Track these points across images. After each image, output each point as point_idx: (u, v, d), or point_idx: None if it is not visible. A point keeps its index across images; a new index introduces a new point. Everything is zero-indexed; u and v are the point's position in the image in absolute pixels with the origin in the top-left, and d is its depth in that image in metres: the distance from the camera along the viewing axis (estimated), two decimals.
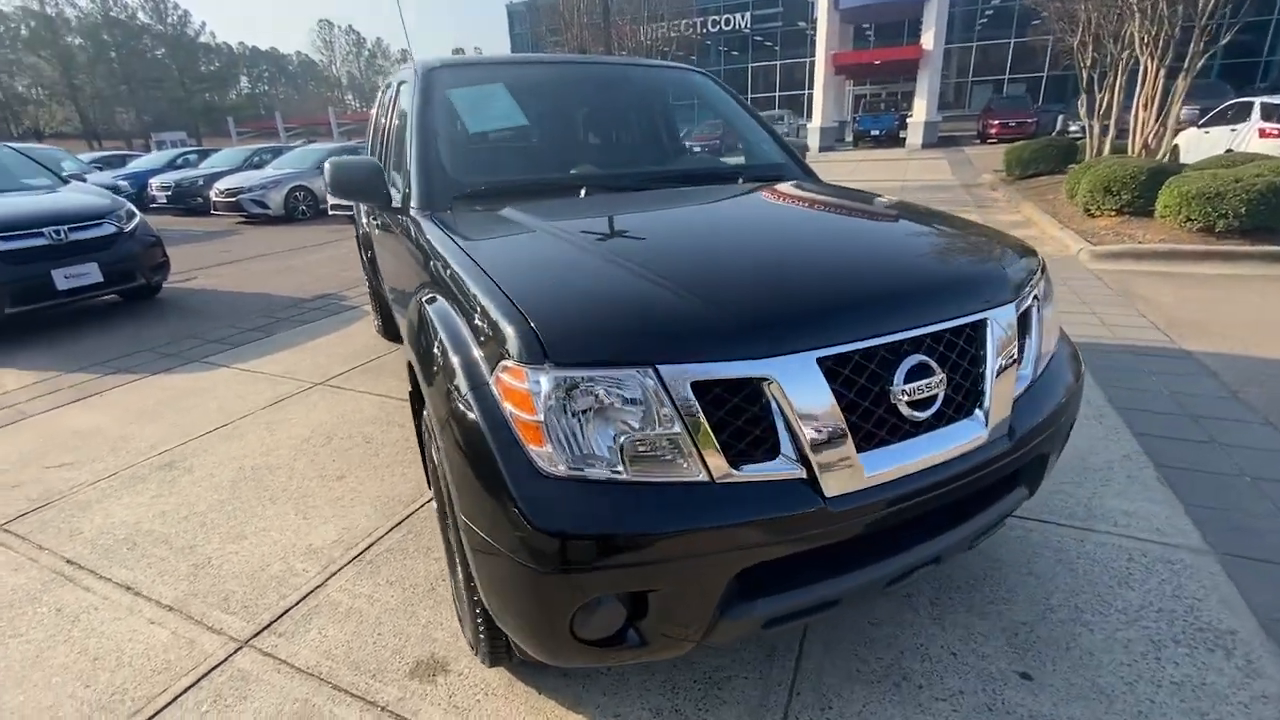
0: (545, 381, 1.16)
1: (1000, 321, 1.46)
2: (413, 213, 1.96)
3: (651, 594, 1.19)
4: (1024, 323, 1.56)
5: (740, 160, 2.68)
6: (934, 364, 1.33)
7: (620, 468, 1.17)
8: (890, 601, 1.93)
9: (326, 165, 2.09)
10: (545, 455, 1.17)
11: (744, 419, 1.20)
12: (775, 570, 1.29)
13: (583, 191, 2.06)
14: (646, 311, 1.27)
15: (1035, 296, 1.62)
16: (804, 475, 1.22)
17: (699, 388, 1.18)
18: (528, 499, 1.16)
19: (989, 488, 1.53)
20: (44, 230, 4.89)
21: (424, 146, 2.08)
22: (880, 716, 1.56)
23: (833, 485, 1.23)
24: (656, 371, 1.16)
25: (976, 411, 1.41)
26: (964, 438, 1.38)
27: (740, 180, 2.41)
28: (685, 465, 1.18)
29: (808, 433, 1.20)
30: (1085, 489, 2.43)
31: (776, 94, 36.05)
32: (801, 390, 1.20)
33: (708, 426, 1.17)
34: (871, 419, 1.28)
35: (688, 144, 2.96)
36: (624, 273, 1.41)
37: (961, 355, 1.40)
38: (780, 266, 1.54)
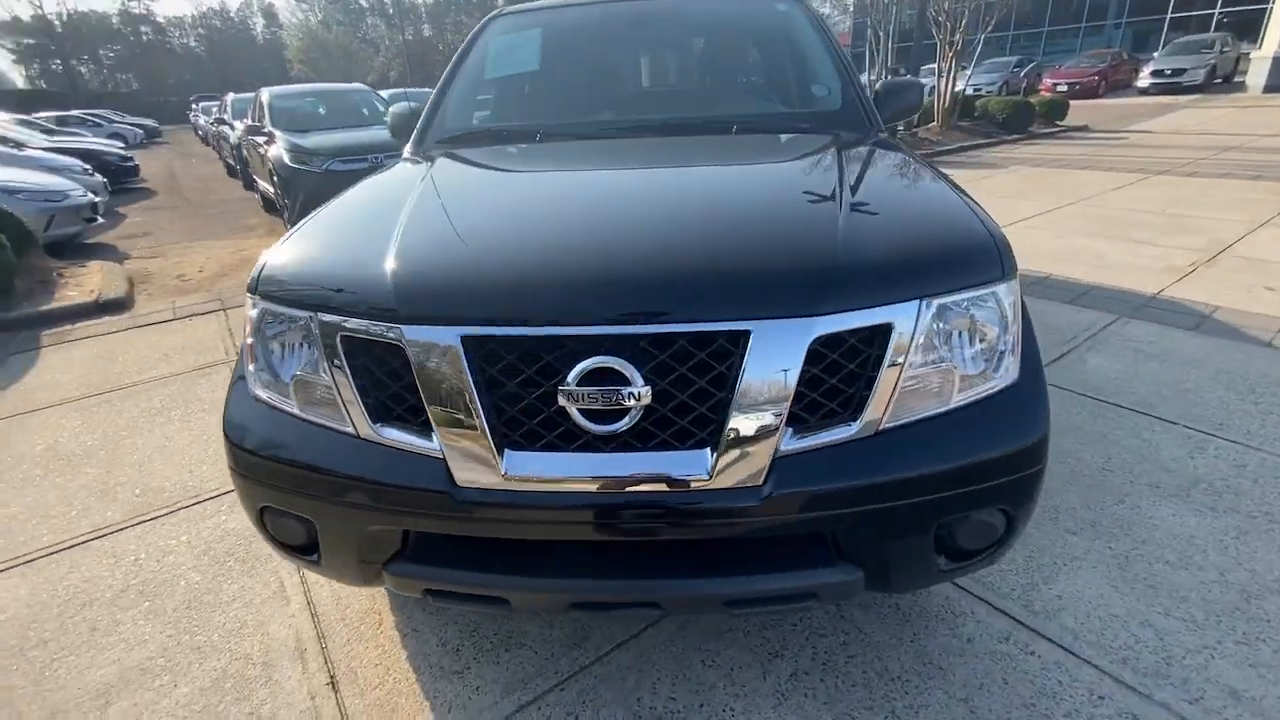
0: (251, 309, 1.31)
1: (773, 342, 1.07)
2: (405, 154, 2.19)
3: (315, 522, 1.28)
4: (857, 359, 1.11)
5: (783, 108, 2.23)
6: (633, 373, 1.07)
7: (292, 402, 1.27)
8: (741, 651, 1.63)
9: (391, 111, 2.45)
10: (250, 376, 1.33)
11: (396, 385, 1.17)
12: (437, 543, 1.26)
13: (538, 137, 2.01)
14: (341, 264, 1.30)
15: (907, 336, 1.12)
16: (441, 454, 1.14)
17: (349, 341, 1.18)
18: (231, 407, 1.34)
19: (753, 547, 1.19)
20: (367, 156, 6.57)
21: (436, 94, 2.27)
22: None
23: (463, 473, 1.13)
24: (317, 319, 1.21)
25: (705, 450, 1.09)
26: (671, 471, 1.09)
27: (753, 130, 2.04)
28: (338, 414, 1.22)
29: (436, 410, 1.12)
30: None
31: (1216, 10, 26.42)
32: (436, 365, 1.11)
33: (350, 381, 1.18)
34: (535, 417, 1.11)
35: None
36: (401, 226, 1.39)
37: (701, 371, 1.09)
38: (554, 235, 1.37)
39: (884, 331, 1.11)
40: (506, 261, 1.25)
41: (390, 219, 1.42)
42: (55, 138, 12.72)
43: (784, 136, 2.00)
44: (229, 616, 1.85)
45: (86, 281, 5.33)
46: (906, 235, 1.27)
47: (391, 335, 1.14)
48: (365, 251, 1.29)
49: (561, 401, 1.08)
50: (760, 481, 1.09)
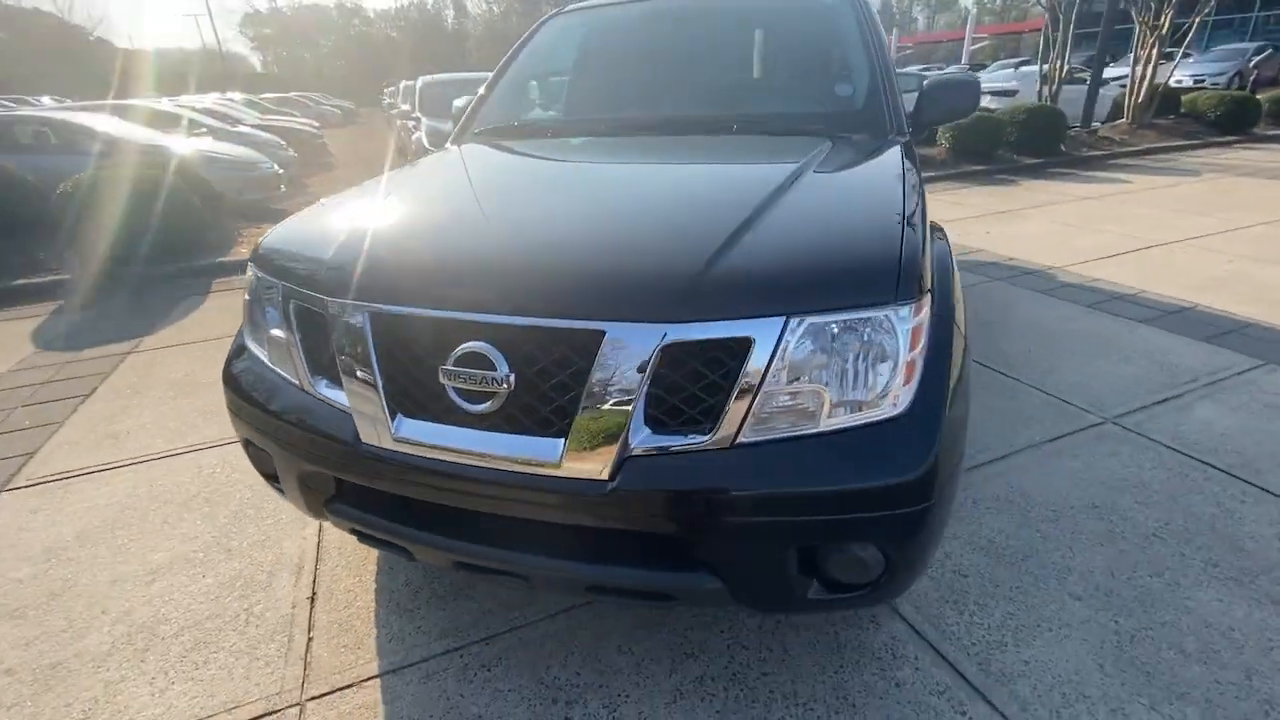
0: (250, 274, 1.56)
1: (624, 344, 1.09)
2: (445, 145, 2.41)
3: (273, 458, 1.51)
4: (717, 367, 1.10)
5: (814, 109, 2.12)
6: (499, 359, 1.15)
7: (266, 355, 1.50)
8: (659, 646, 1.66)
9: (454, 105, 2.69)
10: (245, 331, 1.59)
11: (325, 349, 1.35)
12: (362, 491, 1.42)
13: (549, 134, 2.11)
14: (308, 243, 1.50)
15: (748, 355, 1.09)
16: (352, 413, 1.31)
17: (299, 309, 1.38)
18: (230, 355, 1.62)
19: (615, 538, 1.23)
20: None
21: (484, 90, 2.46)
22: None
23: (365, 430, 1.28)
24: (281, 287, 1.42)
25: (560, 439, 1.15)
26: (527, 454, 1.17)
27: (751, 131, 2.00)
28: (291, 368, 1.42)
29: (347, 375, 1.28)
30: None
31: None
32: (349, 336, 1.27)
33: (298, 341, 1.38)
34: (421, 390, 1.23)
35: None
36: (366, 213, 1.58)
37: (560, 365, 1.14)
38: (467, 228, 1.50)
39: (744, 345, 1.09)
40: (415, 249, 1.38)
41: (368, 205, 1.61)
42: (268, 116, 15.03)
43: (777, 138, 1.93)
44: (260, 530, 2.21)
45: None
46: (797, 250, 1.21)
47: (318, 308, 1.32)
48: (327, 233, 1.49)
49: (442, 379, 1.20)
50: (607, 476, 1.13)
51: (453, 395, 1.20)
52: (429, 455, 1.24)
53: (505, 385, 1.15)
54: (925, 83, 2.12)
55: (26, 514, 2.34)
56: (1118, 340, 3.39)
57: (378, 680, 1.62)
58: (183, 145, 7.52)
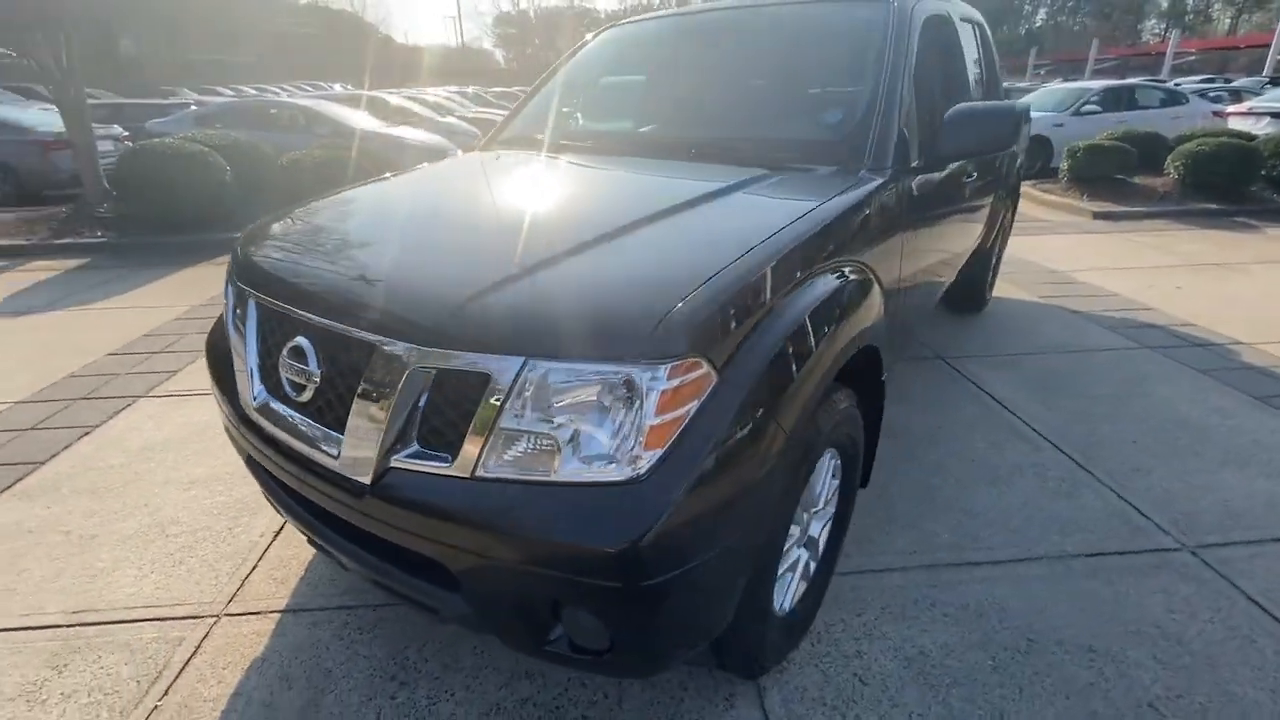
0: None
1: (389, 360, 1.14)
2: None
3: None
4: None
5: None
6: (311, 355, 1.28)
7: (230, 327, 1.78)
8: (506, 659, 1.68)
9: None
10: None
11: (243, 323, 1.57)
12: (250, 452, 1.63)
13: (543, 150, 2.16)
14: (253, 236, 1.71)
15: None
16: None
17: (236, 290, 1.62)
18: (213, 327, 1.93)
19: (379, 539, 1.29)
20: None
21: (520, 102, 2.59)
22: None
23: (243, 394, 1.48)
24: (231, 272, 1.67)
25: (343, 437, 1.24)
26: (321, 444, 1.27)
27: (705, 159, 1.88)
28: (236, 338, 1.68)
29: (243, 346, 1.49)
30: None
31: None
32: (242, 315, 1.48)
33: (234, 316, 1.62)
34: (274, 370, 1.40)
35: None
36: (315, 214, 1.78)
37: (349, 370, 1.23)
38: (348, 236, 1.63)
39: (483, 380, 1.08)
40: (292, 249, 1.54)
41: (315, 208, 1.84)
42: (482, 109, 16.94)
43: (713, 167, 1.79)
44: None
45: None
46: (565, 293, 1.15)
47: (240, 294, 1.55)
48: (268, 230, 1.73)
49: (279, 366, 1.35)
50: (368, 479, 1.19)
51: (285, 380, 1.35)
52: (267, 427, 1.40)
53: (314, 380, 1.27)
54: (948, 112, 1.82)
55: (145, 418, 3.01)
56: (1274, 447, 2.60)
57: (279, 615, 1.86)
58: (387, 131, 8.87)
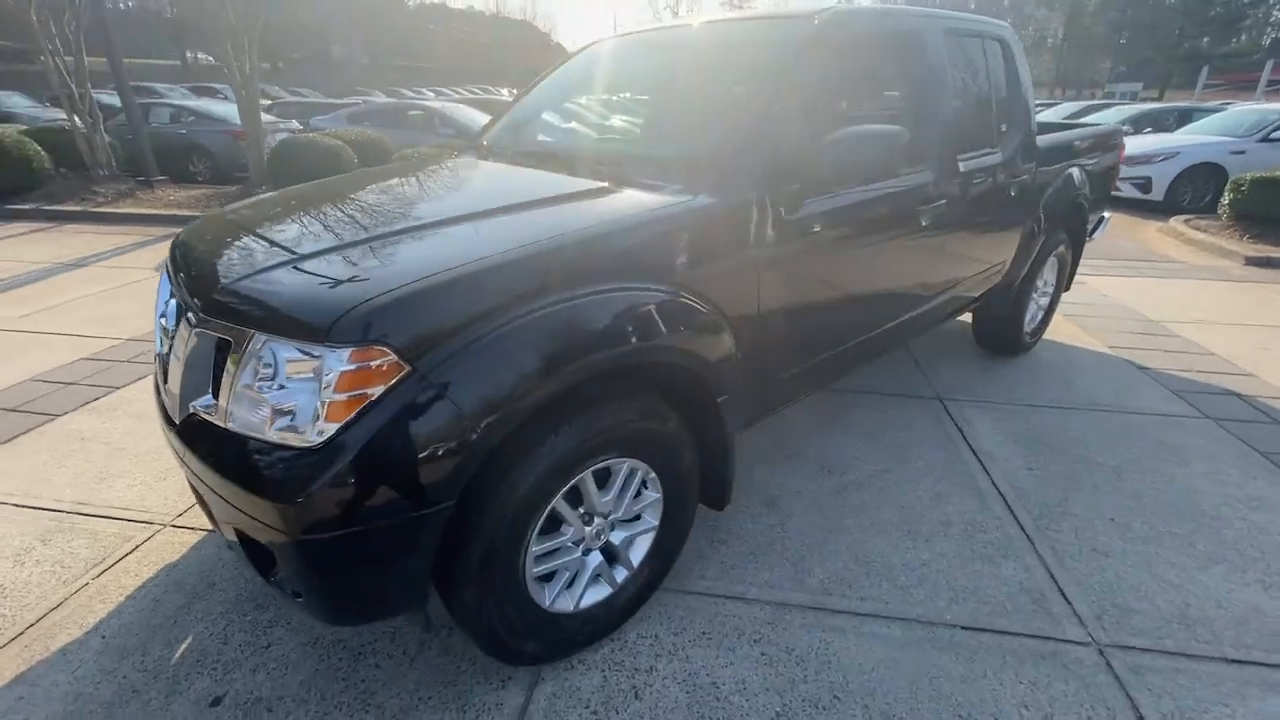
0: None
1: (187, 320, 1.39)
2: None
3: None
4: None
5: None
6: (172, 316, 1.56)
7: None
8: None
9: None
10: None
11: None
12: None
13: (474, 153, 2.34)
14: (182, 240, 2.04)
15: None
16: None
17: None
18: None
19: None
20: None
21: (509, 106, 2.80)
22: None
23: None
24: None
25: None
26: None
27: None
28: None
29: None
30: None
31: None
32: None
33: None
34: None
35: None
36: (240, 213, 2.07)
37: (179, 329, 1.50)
38: (263, 224, 1.79)
39: (228, 346, 1.29)
40: (188, 240, 1.81)
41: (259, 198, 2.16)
42: None
43: (569, 179, 1.84)
44: None
45: None
46: (302, 280, 1.31)
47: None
48: (196, 227, 2.06)
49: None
50: (177, 419, 1.45)
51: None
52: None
53: (169, 335, 1.56)
54: (828, 137, 1.74)
55: None
56: None
57: (205, 534, 2.22)
58: None
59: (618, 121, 2.26)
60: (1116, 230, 7.50)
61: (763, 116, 1.78)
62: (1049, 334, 4.03)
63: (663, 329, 1.52)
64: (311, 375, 1.20)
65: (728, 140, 1.75)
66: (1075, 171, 3.42)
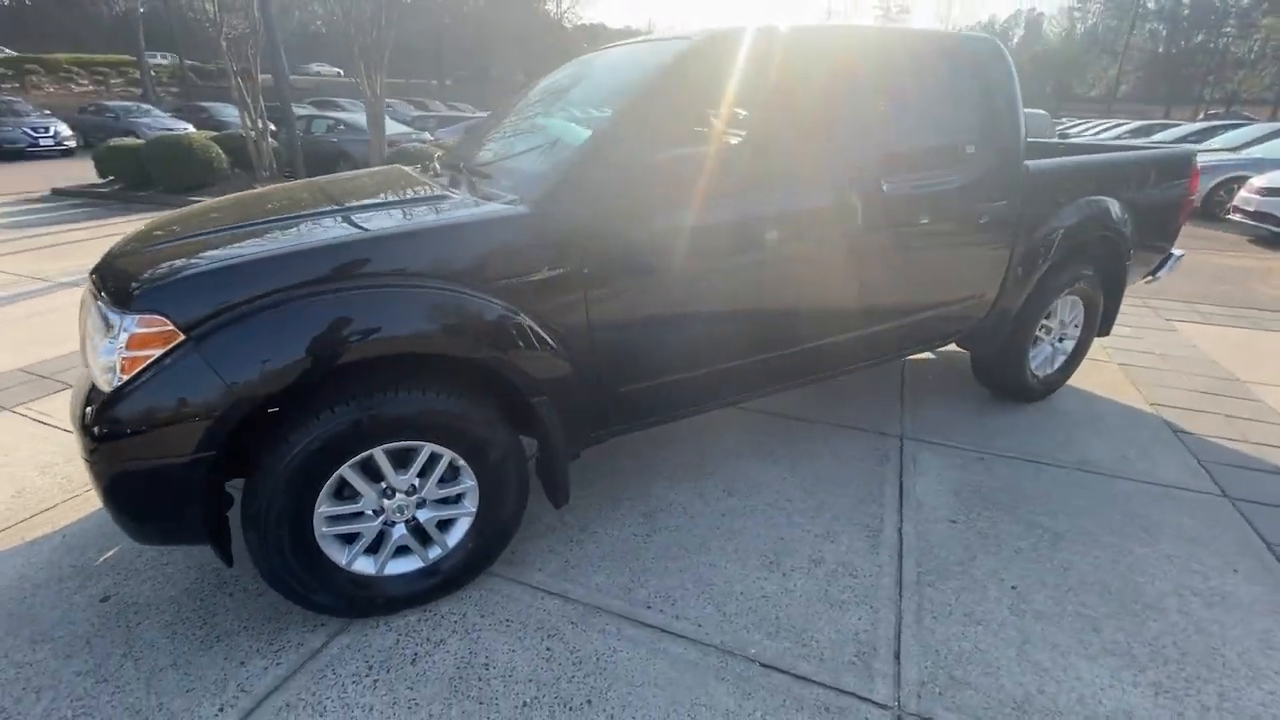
0: None
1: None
2: None
3: None
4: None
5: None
6: None
7: None
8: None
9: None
10: None
11: None
12: None
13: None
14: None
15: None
16: None
17: None
18: None
19: None
20: None
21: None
22: None
23: None
24: None
25: None
26: None
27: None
28: None
29: None
30: None
31: None
32: None
33: None
34: None
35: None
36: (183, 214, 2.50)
37: None
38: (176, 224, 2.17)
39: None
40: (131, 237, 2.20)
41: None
42: None
43: (450, 190, 2.01)
44: None
45: None
46: (138, 265, 1.59)
47: None
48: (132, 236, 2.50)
49: None
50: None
51: None
52: None
53: None
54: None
55: None
56: (1234, 662, 1.75)
57: None
58: None
59: (520, 139, 2.41)
60: (1246, 274, 6.33)
61: (603, 134, 1.86)
62: (1080, 382, 3.55)
63: (449, 325, 1.66)
64: (115, 336, 1.50)
65: (565, 155, 1.85)
66: (1104, 202, 3.02)
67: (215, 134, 10.71)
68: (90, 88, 23.66)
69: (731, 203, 1.99)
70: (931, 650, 1.81)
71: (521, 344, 1.78)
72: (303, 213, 1.92)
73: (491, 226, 1.75)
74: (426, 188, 2.12)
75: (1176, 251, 3.66)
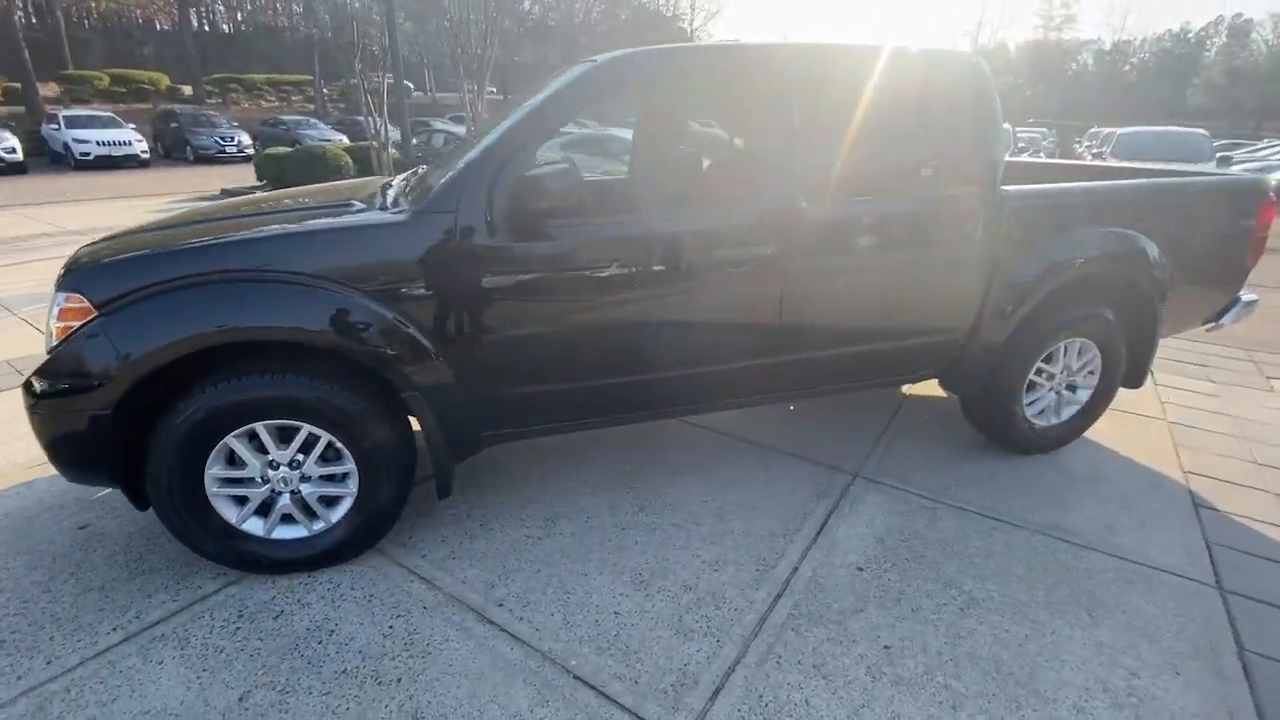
0: None
1: None
2: None
3: None
4: None
5: None
6: None
7: None
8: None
9: None
10: None
11: None
12: None
13: None
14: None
15: None
16: None
17: None
18: None
19: None
20: None
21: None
22: None
23: None
24: None
25: None
26: None
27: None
28: None
29: None
30: None
31: None
32: None
33: None
34: None
35: None
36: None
37: None
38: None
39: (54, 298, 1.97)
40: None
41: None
42: None
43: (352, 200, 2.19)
44: None
45: None
46: (85, 250, 1.91)
47: None
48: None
49: None
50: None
51: None
52: None
53: None
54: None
55: None
56: None
57: None
58: None
59: (457, 153, 2.59)
60: None
61: (487, 149, 1.98)
62: (1109, 437, 3.11)
63: (311, 319, 1.85)
64: (51, 309, 1.83)
65: (453, 168, 1.99)
66: (1118, 234, 2.65)
67: (348, 145, 12.14)
68: (276, 103, 27.72)
69: (612, 220, 2.02)
70: (755, 695, 1.72)
71: (390, 342, 1.93)
72: (237, 215, 2.22)
73: (367, 233, 1.93)
74: (345, 199, 2.33)
75: (1246, 296, 3.11)
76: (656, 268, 2.11)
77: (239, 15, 43.05)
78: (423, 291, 1.95)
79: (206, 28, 42.12)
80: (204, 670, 1.78)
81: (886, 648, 1.89)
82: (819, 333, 2.41)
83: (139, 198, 11.77)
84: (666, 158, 2.18)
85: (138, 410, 1.85)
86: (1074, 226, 2.60)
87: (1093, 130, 17.43)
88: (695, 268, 2.16)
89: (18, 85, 20.89)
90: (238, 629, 1.92)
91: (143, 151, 16.86)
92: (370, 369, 1.97)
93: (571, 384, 2.21)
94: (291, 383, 1.90)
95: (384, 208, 2.08)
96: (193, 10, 35.54)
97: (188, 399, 1.84)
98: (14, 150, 14.68)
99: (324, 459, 2.05)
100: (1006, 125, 15.49)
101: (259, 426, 1.93)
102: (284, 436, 2.00)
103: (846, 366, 2.53)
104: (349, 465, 2.06)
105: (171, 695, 1.70)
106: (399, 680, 1.75)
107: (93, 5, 30.07)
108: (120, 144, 16.39)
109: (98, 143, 16.07)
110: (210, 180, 14.38)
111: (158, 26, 36.19)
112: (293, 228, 1.98)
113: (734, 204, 2.18)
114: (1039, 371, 2.82)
